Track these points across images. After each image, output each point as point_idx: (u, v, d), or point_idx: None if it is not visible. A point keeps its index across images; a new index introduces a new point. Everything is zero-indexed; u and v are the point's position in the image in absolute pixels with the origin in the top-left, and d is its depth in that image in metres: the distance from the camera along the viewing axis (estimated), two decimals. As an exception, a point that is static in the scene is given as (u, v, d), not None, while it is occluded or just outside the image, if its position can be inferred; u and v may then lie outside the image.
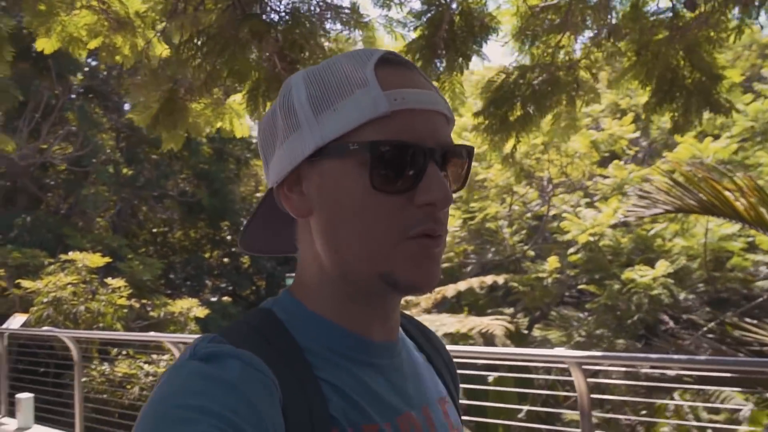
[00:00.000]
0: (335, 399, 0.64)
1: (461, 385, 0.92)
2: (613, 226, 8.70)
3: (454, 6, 4.48)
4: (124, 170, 16.98)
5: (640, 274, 8.17)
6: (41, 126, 13.59)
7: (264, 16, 4.20)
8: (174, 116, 4.81)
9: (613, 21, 4.78)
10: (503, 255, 10.90)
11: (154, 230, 22.86)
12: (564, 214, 9.02)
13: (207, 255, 21.76)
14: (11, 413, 6.85)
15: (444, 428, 0.75)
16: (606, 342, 7.80)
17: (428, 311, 9.33)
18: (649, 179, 7.33)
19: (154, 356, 9.07)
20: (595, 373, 5.24)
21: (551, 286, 8.84)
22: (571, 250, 8.84)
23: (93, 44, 5.36)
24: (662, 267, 8.19)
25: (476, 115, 4.41)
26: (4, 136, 5.91)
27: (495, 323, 8.32)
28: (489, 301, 11.12)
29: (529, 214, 11.43)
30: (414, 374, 0.76)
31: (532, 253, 10.55)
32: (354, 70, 0.66)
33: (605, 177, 9.95)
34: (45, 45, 4.17)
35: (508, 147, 4.53)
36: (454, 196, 0.70)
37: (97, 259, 10.45)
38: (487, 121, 4.21)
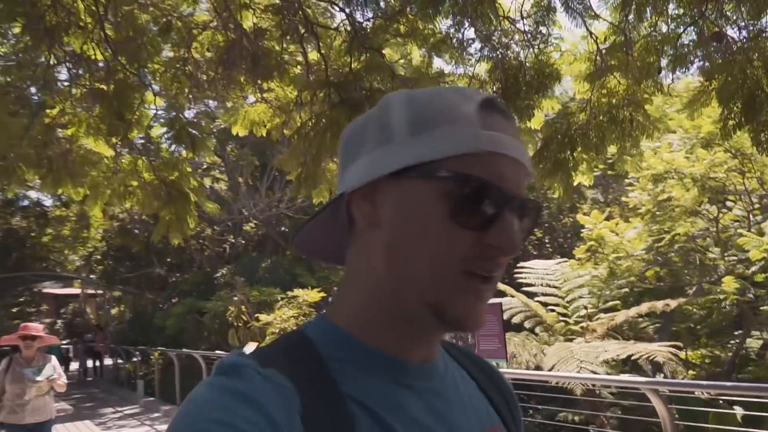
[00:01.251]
0: (363, 417, 0.64)
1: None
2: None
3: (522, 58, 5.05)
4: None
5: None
6: (275, 183, 16.46)
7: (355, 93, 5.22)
8: (313, 179, 5.99)
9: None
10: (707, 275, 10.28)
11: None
12: (739, 230, 8.34)
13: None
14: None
15: None
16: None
17: (601, 338, 9.30)
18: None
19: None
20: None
21: (729, 308, 8.21)
22: (754, 268, 8.14)
23: (269, 126, 7.05)
24: None
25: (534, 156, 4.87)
26: (210, 202, 7.79)
27: (662, 350, 8.09)
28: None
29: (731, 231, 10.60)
30: (459, 400, 0.74)
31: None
32: (458, 103, 0.68)
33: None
34: (238, 129, 5.86)
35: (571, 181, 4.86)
36: None
37: (314, 295, 12.38)
38: (541, 165, 4.66)
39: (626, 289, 10.30)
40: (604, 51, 4.89)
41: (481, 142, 0.65)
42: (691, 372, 9.98)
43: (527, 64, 4.58)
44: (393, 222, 0.68)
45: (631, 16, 4.67)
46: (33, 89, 6.29)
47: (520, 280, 10.70)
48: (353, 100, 4.76)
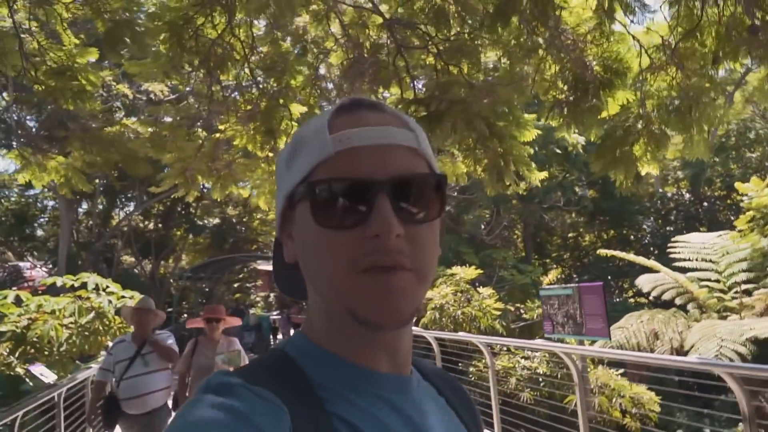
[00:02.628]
0: None
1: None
2: None
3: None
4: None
5: None
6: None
7: (437, 107, 5.85)
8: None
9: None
10: None
11: (565, 237, 24.77)
12: None
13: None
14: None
15: None
16: None
17: (759, 315, 8.75)
18: None
19: (529, 353, 9.65)
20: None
21: None
22: None
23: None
24: None
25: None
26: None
27: (821, 328, 7.51)
28: None
29: None
30: (431, 413, 0.75)
31: None
32: (316, 122, 0.71)
33: None
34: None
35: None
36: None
37: (471, 272, 13.05)
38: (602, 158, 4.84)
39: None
40: (669, 42, 4.93)
41: (326, 147, 0.67)
42: None
43: (593, 60, 4.78)
44: (298, 250, 0.72)
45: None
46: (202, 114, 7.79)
47: (673, 255, 10.36)
48: (435, 113, 5.38)
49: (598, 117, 4.89)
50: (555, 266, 21.55)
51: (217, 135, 7.50)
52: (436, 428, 0.74)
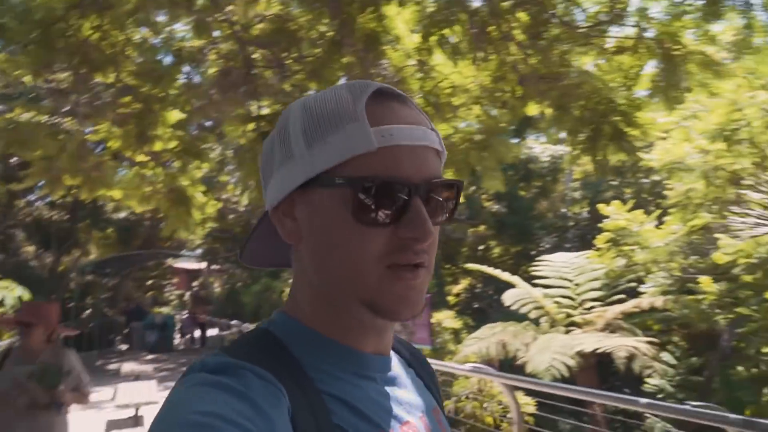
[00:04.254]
0: (339, 410, 0.68)
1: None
2: None
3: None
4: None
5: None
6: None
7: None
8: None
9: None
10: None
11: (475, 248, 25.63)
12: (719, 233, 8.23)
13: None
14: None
15: None
16: None
17: (600, 330, 9.55)
18: None
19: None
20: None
21: (709, 311, 8.16)
22: (738, 269, 8.02)
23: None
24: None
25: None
26: (215, 201, 9.11)
27: (639, 345, 8.31)
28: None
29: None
30: (407, 387, 0.81)
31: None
32: (347, 103, 0.70)
33: None
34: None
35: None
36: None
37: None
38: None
39: (634, 283, 10.37)
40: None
41: (370, 141, 0.66)
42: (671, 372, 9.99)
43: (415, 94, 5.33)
44: (310, 234, 0.72)
45: None
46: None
47: (534, 273, 11.12)
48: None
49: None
50: (465, 277, 22.31)
51: (85, 135, 7.68)
52: (413, 400, 0.79)
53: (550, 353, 8.42)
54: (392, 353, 0.83)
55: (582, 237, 22.13)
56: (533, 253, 23.67)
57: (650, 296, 9.43)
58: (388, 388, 0.76)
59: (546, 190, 22.93)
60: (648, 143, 11.03)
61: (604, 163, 5.35)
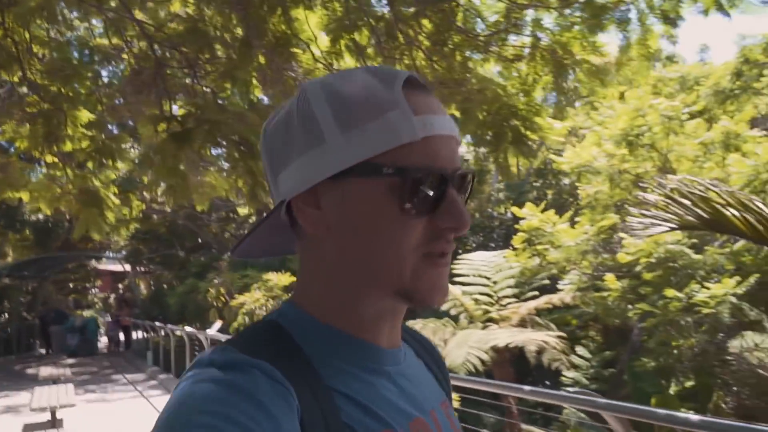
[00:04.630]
0: (348, 408, 0.66)
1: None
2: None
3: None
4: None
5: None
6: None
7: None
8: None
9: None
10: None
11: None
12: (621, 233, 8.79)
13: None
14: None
15: (449, 430, 0.79)
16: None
17: (516, 326, 9.94)
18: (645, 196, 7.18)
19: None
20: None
21: (613, 306, 8.69)
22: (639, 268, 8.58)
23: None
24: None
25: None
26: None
27: (549, 339, 8.72)
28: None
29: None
30: (418, 380, 0.79)
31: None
32: (380, 89, 0.68)
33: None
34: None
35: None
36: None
37: (285, 278, 13.49)
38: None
39: (548, 281, 10.82)
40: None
41: (414, 131, 0.66)
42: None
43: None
44: (343, 223, 0.69)
45: None
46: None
47: (456, 271, 11.43)
48: (184, 131, 5.80)
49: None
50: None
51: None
52: (424, 394, 0.78)
53: (466, 348, 8.71)
54: (405, 347, 0.82)
55: (507, 236, 22.79)
56: (461, 252, 24.28)
57: (565, 293, 9.84)
58: (399, 383, 0.75)
59: (473, 191, 23.41)
60: (560, 147, 11.56)
61: (506, 165, 5.60)
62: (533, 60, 5.31)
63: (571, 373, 11.38)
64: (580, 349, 11.85)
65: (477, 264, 11.40)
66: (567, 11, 4.83)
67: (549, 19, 5.11)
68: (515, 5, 4.97)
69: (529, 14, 5.23)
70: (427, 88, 0.71)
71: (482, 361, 8.53)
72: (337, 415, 0.65)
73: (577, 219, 11.60)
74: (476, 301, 10.59)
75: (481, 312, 10.42)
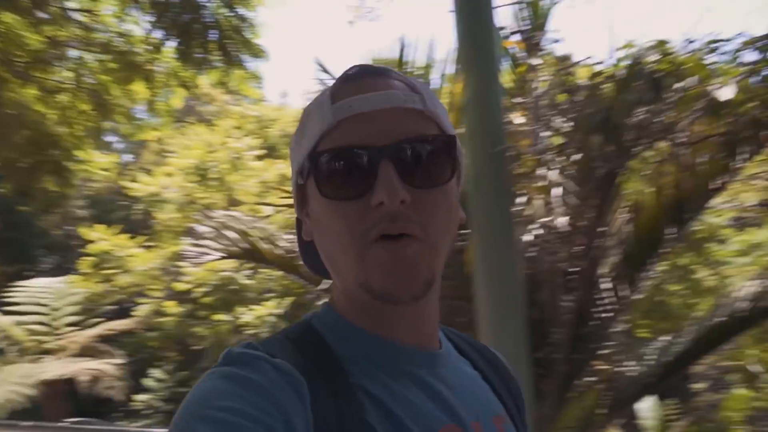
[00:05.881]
0: (371, 408, 0.64)
1: None
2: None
3: None
4: None
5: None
6: None
7: None
8: None
9: None
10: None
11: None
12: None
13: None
14: None
15: None
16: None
17: (77, 355, 9.60)
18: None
19: None
20: None
21: (174, 330, 9.33)
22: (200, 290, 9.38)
23: None
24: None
25: None
26: None
27: (107, 366, 8.69)
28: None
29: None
30: (463, 388, 0.73)
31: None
32: (322, 93, 0.70)
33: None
34: None
35: None
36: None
37: None
38: None
39: (117, 306, 10.77)
40: None
41: (327, 118, 0.65)
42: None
43: None
44: (313, 227, 0.70)
45: None
46: None
47: (6, 300, 10.41)
48: None
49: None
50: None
51: None
52: (468, 402, 0.71)
53: (9, 385, 8.06)
54: (455, 353, 0.78)
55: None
56: (32, 274, 21.89)
57: (132, 319, 9.91)
58: (433, 387, 0.70)
59: (50, 205, 21.50)
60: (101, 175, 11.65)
61: (43, 192, 5.57)
62: (76, 95, 5.43)
63: (143, 396, 11.48)
64: (157, 372, 12.04)
65: (34, 291, 10.60)
66: (107, 57, 5.12)
67: (90, 57, 5.33)
68: (54, 41, 5.05)
69: (74, 52, 5.38)
70: (378, 72, 0.70)
71: (29, 397, 8.01)
72: (359, 413, 0.63)
73: (151, 244, 11.85)
74: (31, 331, 9.85)
75: (35, 343, 9.72)
